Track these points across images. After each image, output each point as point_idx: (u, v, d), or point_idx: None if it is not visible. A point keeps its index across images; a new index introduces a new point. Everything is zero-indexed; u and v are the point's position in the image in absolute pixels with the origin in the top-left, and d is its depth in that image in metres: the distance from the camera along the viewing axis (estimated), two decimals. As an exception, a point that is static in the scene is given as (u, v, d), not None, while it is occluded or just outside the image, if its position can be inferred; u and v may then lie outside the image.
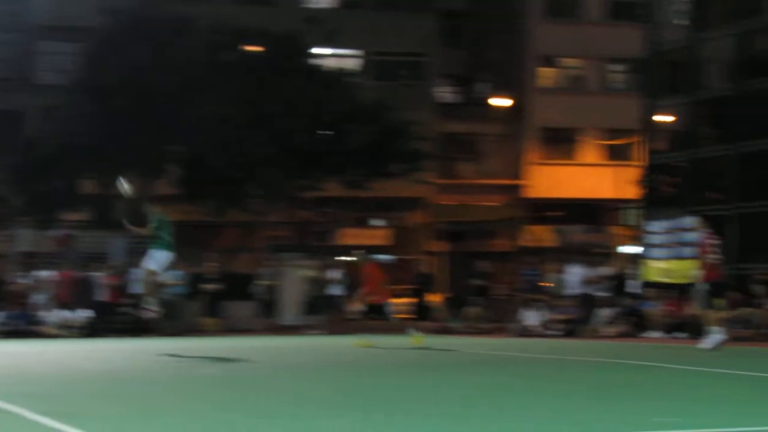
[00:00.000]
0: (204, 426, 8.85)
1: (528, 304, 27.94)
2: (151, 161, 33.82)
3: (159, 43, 33.02)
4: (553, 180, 47.60)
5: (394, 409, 10.02)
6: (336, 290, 29.49)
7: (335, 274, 29.87)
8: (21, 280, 28.08)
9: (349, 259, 30.32)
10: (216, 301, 29.10)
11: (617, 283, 27.04)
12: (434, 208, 46.66)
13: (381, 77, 46.04)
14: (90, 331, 26.79)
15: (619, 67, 50.75)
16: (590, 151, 49.33)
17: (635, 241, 32.24)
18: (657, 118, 28.29)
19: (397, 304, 30.92)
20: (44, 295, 27.64)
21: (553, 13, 49.63)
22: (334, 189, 37.81)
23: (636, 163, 41.38)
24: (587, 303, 26.80)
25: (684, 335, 23.60)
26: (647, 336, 24.56)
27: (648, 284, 26.41)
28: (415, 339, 21.14)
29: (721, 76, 26.96)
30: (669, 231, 26.11)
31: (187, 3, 35.36)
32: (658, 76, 27.68)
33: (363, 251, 22.46)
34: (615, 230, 46.06)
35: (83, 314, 27.14)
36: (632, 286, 27.43)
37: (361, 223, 46.64)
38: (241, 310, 30.14)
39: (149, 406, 10.59)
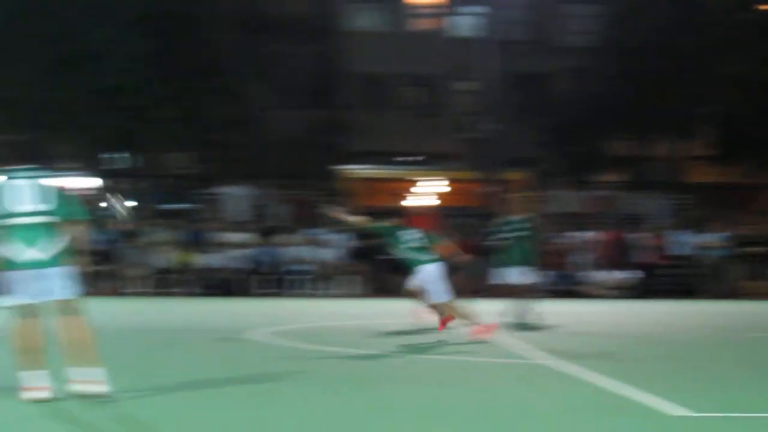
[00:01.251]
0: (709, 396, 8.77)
1: None
2: (679, 123, 33.59)
3: (681, 4, 32.65)
4: None
5: None
6: None
7: None
8: (560, 241, 29.04)
9: None
10: (759, 264, 28.24)
11: None
12: None
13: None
14: (633, 292, 27.16)
15: None
16: None
17: None
18: None
19: None
20: (584, 255, 28.41)
21: None
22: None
23: None
24: None
25: None
26: None
27: None
28: None
29: None
30: None
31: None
32: None
33: None
34: None
35: (624, 275, 27.59)
36: None
37: None
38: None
39: (707, 370, 10.73)
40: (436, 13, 42.29)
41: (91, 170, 33.95)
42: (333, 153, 40.41)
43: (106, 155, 34.08)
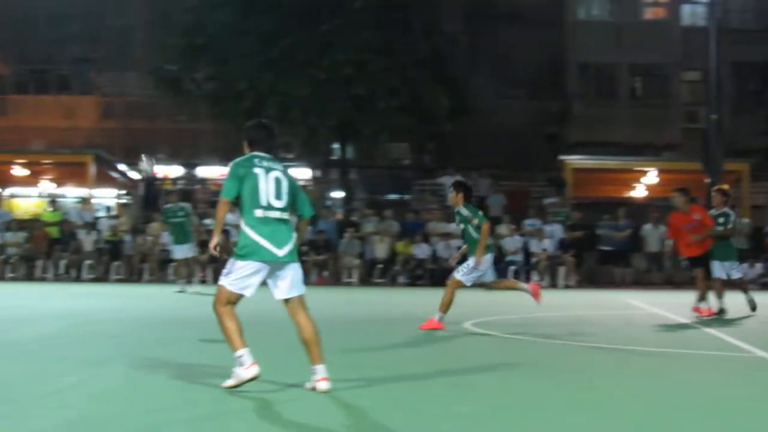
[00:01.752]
0: None
1: None
2: None
3: None
4: None
5: None
6: None
7: None
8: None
9: None
10: None
11: None
12: None
13: None
14: None
15: None
16: None
17: None
18: None
19: None
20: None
21: None
22: None
23: None
24: None
25: None
26: None
27: None
28: None
29: None
30: None
31: None
32: None
33: None
34: None
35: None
36: None
37: None
38: None
39: None
40: (664, 2, 41.58)
41: (311, 160, 34.96)
42: (555, 143, 40.29)
43: (326, 145, 35.04)
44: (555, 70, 41.87)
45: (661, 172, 35.14)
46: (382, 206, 31.86)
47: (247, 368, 7.77)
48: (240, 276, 7.86)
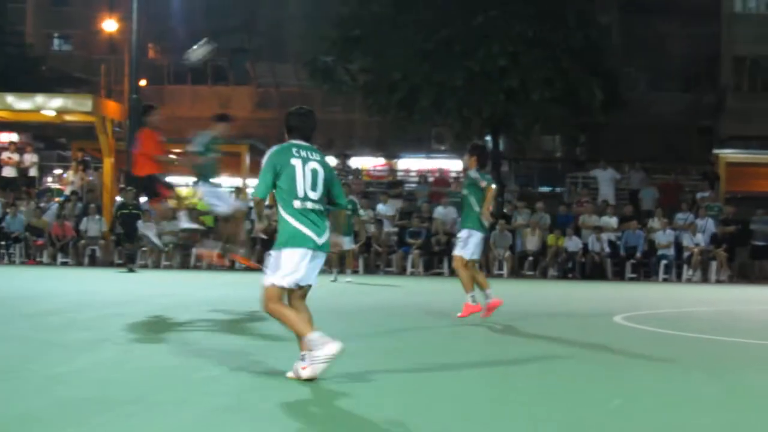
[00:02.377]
0: None
1: None
2: None
3: None
4: None
5: None
6: None
7: None
8: None
9: None
10: None
11: None
12: None
13: None
14: None
15: None
16: None
17: None
18: None
19: None
20: None
21: None
22: None
23: None
24: None
25: None
26: None
27: None
28: None
29: None
30: None
31: None
32: None
33: None
34: None
35: None
36: None
37: None
38: None
39: None
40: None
41: (464, 152, 34.99)
42: (709, 136, 39.52)
43: (479, 137, 35.08)
44: (709, 63, 41.06)
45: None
46: (534, 199, 31.74)
47: (324, 347, 7.54)
48: (289, 267, 7.78)
